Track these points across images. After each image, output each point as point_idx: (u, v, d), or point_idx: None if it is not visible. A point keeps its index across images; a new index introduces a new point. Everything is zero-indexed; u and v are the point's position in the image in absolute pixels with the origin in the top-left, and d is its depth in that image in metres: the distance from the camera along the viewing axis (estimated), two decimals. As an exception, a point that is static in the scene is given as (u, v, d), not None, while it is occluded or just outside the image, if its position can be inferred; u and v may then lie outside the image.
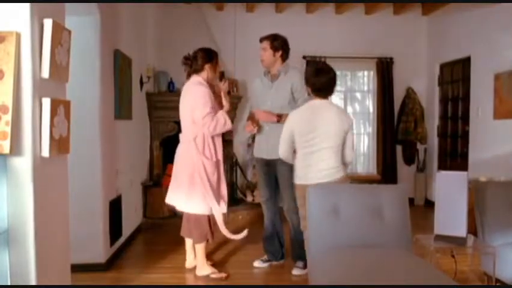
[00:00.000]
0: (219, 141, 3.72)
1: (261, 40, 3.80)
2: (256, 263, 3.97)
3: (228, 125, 3.65)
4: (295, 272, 3.76)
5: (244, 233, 3.86)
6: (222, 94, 3.76)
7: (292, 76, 3.78)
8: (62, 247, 2.45)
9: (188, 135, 3.64)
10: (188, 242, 3.84)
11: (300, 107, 3.35)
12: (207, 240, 3.73)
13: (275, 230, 3.95)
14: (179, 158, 3.72)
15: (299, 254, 3.73)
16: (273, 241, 3.97)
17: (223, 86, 3.82)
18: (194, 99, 3.58)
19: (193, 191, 3.60)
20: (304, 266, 3.70)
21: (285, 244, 4.04)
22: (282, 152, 3.35)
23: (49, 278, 2.22)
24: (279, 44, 3.77)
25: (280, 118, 3.63)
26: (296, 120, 3.25)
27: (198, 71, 3.68)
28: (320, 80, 3.18)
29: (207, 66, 3.67)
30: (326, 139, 3.15)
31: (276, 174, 3.83)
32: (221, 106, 3.75)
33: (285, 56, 3.82)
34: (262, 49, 3.77)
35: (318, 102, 3.23)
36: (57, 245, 2.37)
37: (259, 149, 3.88)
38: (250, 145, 6.02)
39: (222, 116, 3.63)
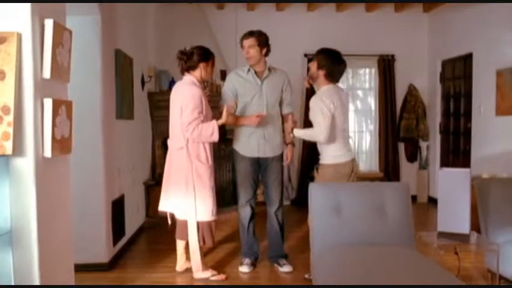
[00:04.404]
0: (209, 146, 3.59)
1: (246, 37, 3.72)
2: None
3: (214, 138, 3.46)
4: (287, 269, 3.77)
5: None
6: (225, 109, 3.54)
7: (281, 75, 3.82)
8: (65, 247, 2.45)
9: (179, 141, 3.51)
10: (181, 245, 3.76)
11: (324, 92, 3.44)
12: (204, 243, 3.67)
13: (279, 226, 3.91)
14: (172, 167, 3.59)
15: (282, 252, 3.90)
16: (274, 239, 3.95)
17: (231, 105, 3.65)
18: (184, 101, 3.46)
19: (192, 199, 3.49)
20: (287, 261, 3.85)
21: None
22: (326, 138, 3.38)
23: (52, 278, 2.22)
24: (264, 40, 3.73)
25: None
26: (336, 104, 3.41)
27: (191, 68, 3.56)
28: (340, 68, 3.50)
29: (201, 65, 3.56)
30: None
31: (265, 172, 3.82)
32: (213, 109, 3.64)
33: (268, 53, 3.79)
34: (248, 46, 3.70)
35: (333, 86, 3.50)
36: (61, 245, 2.38)
37: (255, 147, 3.76)
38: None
39: (212, 126, 3.45)
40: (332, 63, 3.45)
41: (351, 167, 3.47)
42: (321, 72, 3.47)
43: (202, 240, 3.62)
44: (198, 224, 3.57)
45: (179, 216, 3.63)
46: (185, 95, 3.48)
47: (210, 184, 3.55)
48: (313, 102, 3.45)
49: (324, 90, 3.47)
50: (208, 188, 3.54)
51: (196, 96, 3.46)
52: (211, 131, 3.44)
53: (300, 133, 3.60)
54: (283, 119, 3.84)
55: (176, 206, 3.60)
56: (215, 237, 3.77)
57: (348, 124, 3.70)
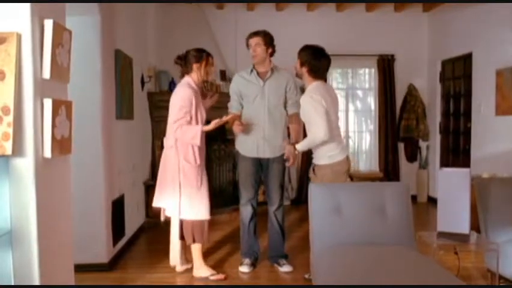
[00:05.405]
0: (200, 146, 3.59)
1: (252, 36, 3.76)
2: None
3: (195, 142, 3.47)
4: (287, 269, 3.79)
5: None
6: (217, 120, 3.54)
7: (285, 75, 3.81)
8: (65, 247, 2.46)
9: (170, 140, 3.58)
10: (177, 246, 3.78)
11: (313, 89, 3.40)
12: (194, 241, 3.66)
13: (279, 225, 3.92)
14: (165, 164, 3.64)
15: (282, 252, 3.92)
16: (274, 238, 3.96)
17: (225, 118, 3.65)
18: (174, 100, 3.55)
19: (177, 197, 3.54)
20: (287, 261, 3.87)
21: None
22: (326, 133, 3.29)
23: (52, 278, 2.23)
24: (270, 40, 3.75)
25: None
26: (327, 100, 3.36)
27: (187, 70, 3.63)
28: (321, 62, 3.44)
29: (195, 67, 3.59)
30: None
31: (267, 173, 3.84)
32: (218, 109, 3.68)
33: (273, 53, 3.80)
34: (255, 45, 3.73)
35: (320, 82, 3.45)
36: (61, 245, 2.38)
37: (254, 147, 3.78)
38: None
39: (194, 130, 3.47)
40: (313, 59, 3.42)
41: (347, 164, 3.46)
42: (304, 69, 3.45)
43: (191, 238, 3.63)
44: (182, 221, 3.65)
45: (167, 213, 3.69)
46: (176, 95, 3.57)
47: (197, 184, 3.57)
48: (303, 101, 3.41)
49: (312, 87, 3.43)
50: (195, 188, 3.56)
51: (185, 96, 3.50)
52: (193, 134, 3.47)
53: (303, 145, 3.51)
54: (289, 119, 3.84)
55: (166, 203, 3.66)
56: (207, 236, 3.69)
57: (338, 121, 3.61)
